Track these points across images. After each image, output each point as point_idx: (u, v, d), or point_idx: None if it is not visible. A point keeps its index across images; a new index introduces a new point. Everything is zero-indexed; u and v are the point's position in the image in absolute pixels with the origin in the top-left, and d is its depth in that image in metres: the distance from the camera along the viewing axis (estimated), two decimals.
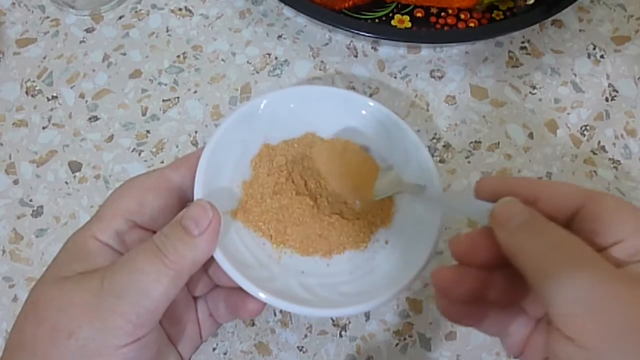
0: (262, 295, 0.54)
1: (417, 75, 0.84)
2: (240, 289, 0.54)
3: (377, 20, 0.82)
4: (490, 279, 0.49)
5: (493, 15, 0.83)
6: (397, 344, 0.71)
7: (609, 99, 0.83)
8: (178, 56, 0.85)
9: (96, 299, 0.48)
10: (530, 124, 0.81)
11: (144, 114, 0.82)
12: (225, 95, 0.83)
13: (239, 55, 0.86)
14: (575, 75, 0.84)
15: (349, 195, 0.62)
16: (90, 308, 0.48)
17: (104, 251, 0.53)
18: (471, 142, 0.80)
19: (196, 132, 0.80)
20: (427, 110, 0.82)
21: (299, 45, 0.86)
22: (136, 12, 0.88)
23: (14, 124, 0.81)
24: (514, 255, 0.44)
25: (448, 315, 0.50)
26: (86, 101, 0.82)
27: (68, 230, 0.74)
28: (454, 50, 0.86)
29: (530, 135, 0.80)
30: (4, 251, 0.74)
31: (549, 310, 0.40)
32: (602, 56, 0.86)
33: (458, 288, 0.48)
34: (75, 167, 0.78)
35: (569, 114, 0.82)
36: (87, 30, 0.87)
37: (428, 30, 0.83)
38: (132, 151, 0.79)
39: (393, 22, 0.83)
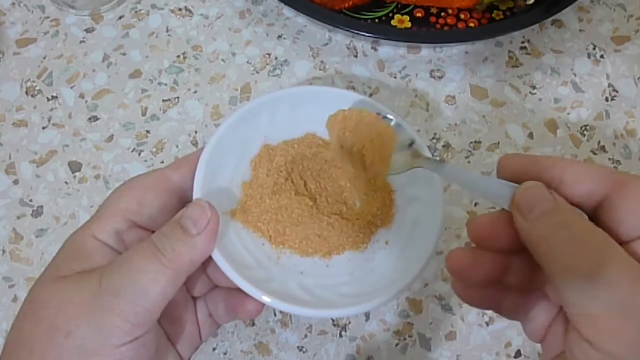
0: (263, 297, 0.54)
1: (416, 75, 0.84)
2: (239, 289, 0.54)
3: (377, 20, 0.82)
4: (508, 263, 0.47)
5: (493, 15, 0.83)
6: (397, 344, 0.71)
7: (609, 98, 0.83)
8: (178, 56, 0.85)
9: (94, 298, 0.48)
10: (530, 123, 0.81)
11: (143, 114, 0.82)
12: (225, 95, 0.83)
13: (238, 55, 0.86)
14: (575, 75, 0.84)
15: (359, 177, 0.63)
16: (88, 307, 0.48)
17: (103, 250, 0.53)
18: (471, 142, 0.80)
19: (196, 132, 0.81)
20: (427, 110, 0.82)
21: (298, 45, 0.86)
22: (136, 12, 0.88)
23: (13, 124, 0.81)
24: (533, 246, 0.42)
25: (464, 299, 0.49)
26: (86, 101, 0.82)
27: (68, 230, 0.73)
28: (454, 50, 0.86)
29: (530, 135, 0.80)
30: (3, 251, 0.74)
31: (568, 308, 0.39)
32: (602, 56, 0.86)
33: (474, 272, 0.46)
34: (75, 167, 0.78)
35: (568, 113, 0.82)
36: (87, 30, 0.87)
37: (428, 30, 0.83)
38: (132, 151, 0.79)
39: (393, 22, 0.83)
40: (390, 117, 0.63)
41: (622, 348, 0.36)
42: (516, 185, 0.45)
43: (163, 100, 0.82)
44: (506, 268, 0.46)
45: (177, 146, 0.80)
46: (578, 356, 0.38)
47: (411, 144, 0.61)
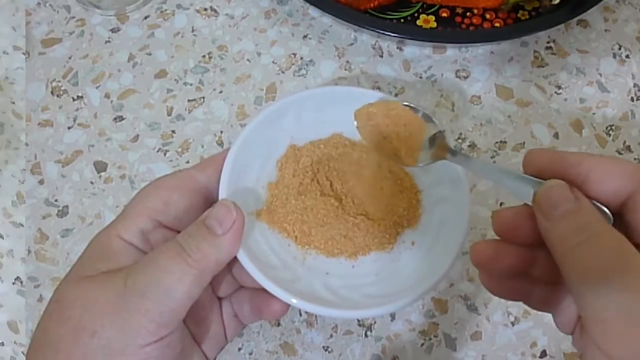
0: (288, 298, 0.54)
1: (442, 75, 0.84)
2: (265, 290, 0.54)
3: (402, 20, 0.82)
4: (533, 256, 0.47)
5: (518, 15, 0.83)
6: (422, 344, 0.71)
7: (635, 98, 0.83)
8: (203, 56, 0.86)
9: (119, 298, 0.48)
10: (555, 123, 0.81)
11: (169, 114, 0.82)
12: (251, 95, 0.83)
13: (264, 55, 0.86)
14: (601, 75, 0.84)
15: (383, 169, 0.64)
16: (113, 307, 0.48)
17: (128, 250, 0.53)
18: (497, 142, 0.80)
19: (221, 132, 0.81)
20: (453, 111, 0.82)
21: (324, 45, 0.86)
22: (162, 12, 0.89)
23: (39, 124, 0.81)
24: (552, 245, 0.42)
25: (491, 290, 0.49)
26: (111, 101, 0.83)
27: (93, 230, 0.74)
28: (479, 50, 0.86)
29: (556, 135, 0.80)
30: (29, 251, 0.75)
31: (582, 312, 0.40)
32: (627, 56, 0.85)
33: (497, 264, 0.47)
34: (100, 167, 0.79)
35: (594, 113, 0.81)
36: (113, 30, 0.88)
37: (453, 30, 0.83)
38: (158, 151, 0.80)
39: (418, 22, 0.82)
40: (418, 108, 0.63)
41: (630, 356, 0.36)
42: (540, 181, 0.45)
43: (188, 100, 0.83)
44: (532, 261, 0.47)
45: (202, 146, 0.80)
46: None
47: (435, 137, 0.61)
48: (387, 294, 0.58)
